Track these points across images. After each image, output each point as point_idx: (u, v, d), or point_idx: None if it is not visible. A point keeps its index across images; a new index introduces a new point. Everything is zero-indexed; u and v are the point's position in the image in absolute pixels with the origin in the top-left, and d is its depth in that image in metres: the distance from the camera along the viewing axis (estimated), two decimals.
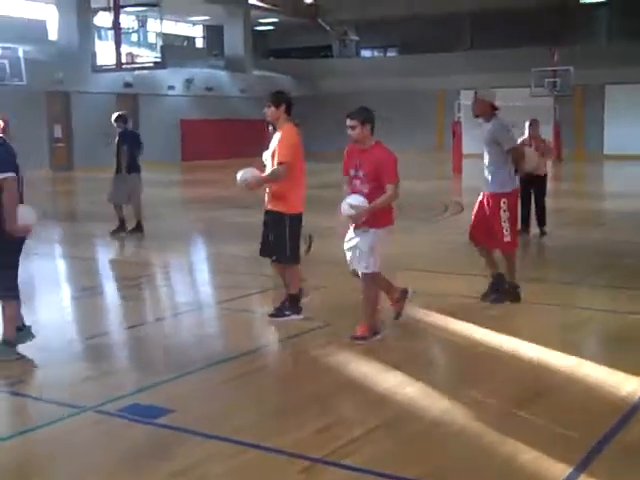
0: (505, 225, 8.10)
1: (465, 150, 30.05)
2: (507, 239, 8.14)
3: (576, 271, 10.17)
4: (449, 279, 9.48)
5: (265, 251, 7.78)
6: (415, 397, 5.61)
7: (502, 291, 8.21)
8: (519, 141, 12.99)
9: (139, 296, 9.61)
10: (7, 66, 28.20)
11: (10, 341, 6.51)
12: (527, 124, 13.06)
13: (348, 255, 7.07)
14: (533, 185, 12.77)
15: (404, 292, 7.46)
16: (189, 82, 37.28)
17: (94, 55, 30.89)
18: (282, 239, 7.53)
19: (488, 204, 8.19)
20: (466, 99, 37.87)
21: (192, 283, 10.50)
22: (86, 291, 9.56)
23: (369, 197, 6.77)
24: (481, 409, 5.38)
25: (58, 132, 31.91)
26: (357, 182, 6.89)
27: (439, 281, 9.33)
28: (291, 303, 7.68)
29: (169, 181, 27.44)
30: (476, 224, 8.34)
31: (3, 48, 28.37)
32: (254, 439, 4.85)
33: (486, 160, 8.24)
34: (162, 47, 30.34)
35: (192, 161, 35.73)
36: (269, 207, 7.65)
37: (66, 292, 9.93)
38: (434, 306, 8.05)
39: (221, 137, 37.34)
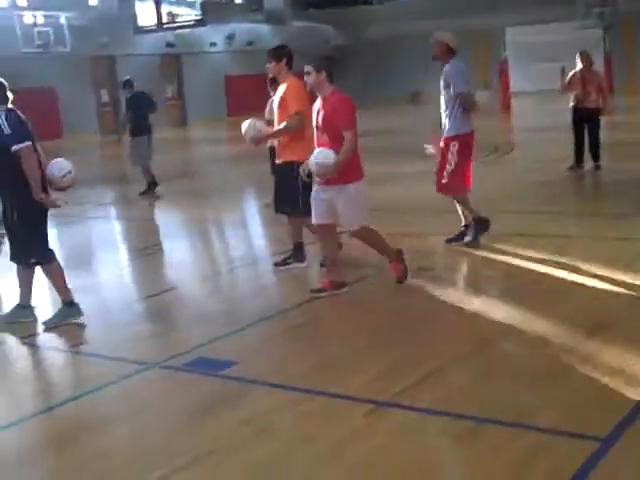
0: (449, 167, 7.91)
1: (514, 88, 29.72)
2: (444, 180, 7.96)
3: (631, 204, 9.97)
4: (506, 216, 9.35)
5: (280, 207, 7.82)
6: (476, 335, 5.65)
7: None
8: (570, 75, 12.75)
9: (194, 253, 9.76)
10: (51, 33, 28.46)
11: (70, 301, 6.61)
12: (577, 57, 12.77)
13: (317, 207, 6.83)
14: (586, 120, 12.56)
15: (400, 252, 7.08)
16: (230, 38, 37.10)
17: (135, 17, 30.97)
18: (295, 191, 7.45)
19: (443, 149, 8.02)
20: (512, 36, 37.26)
21: (245, 237, 10.62)
22: (141, 251, 9.73)
23: (330, 147, 6.58)
24: (543, 343, 5.38)
25: (105, 97, 32.06)
26: (319, 132, 6.77)
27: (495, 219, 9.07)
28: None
29: (216, 138, 27.53)
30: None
31: (46, 16, 28.57)
32: (317, 386, 4.94)
33: (443, 103, 8.02)
34: (202, 4, 30.26)
35: (237, 116, 35.65)
36: (279, 160, 7.65)
37: (123, 253, 10.12)
38: (484, 241, 8.06)
39: (265, 90, 37.08)
